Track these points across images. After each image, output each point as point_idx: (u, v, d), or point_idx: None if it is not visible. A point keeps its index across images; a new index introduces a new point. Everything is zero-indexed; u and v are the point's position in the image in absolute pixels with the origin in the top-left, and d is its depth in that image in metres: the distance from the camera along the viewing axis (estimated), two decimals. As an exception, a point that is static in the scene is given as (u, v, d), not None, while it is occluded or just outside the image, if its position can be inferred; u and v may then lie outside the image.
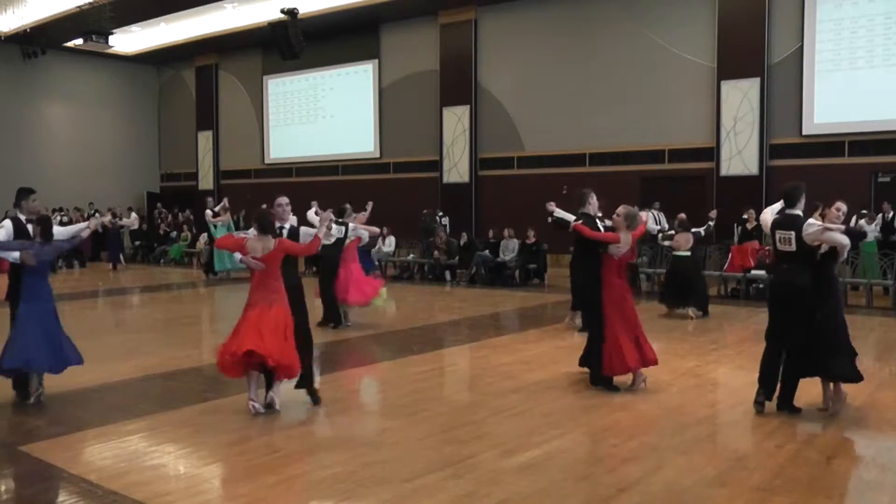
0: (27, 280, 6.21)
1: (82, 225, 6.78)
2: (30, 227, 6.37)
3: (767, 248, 13.33)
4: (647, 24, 16.93)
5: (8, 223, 6.40)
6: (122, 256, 20.46)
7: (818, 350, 5.60)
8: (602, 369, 6.49)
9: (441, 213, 18.67)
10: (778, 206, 5.94)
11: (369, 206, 11.66)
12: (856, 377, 5.68)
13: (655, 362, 6.63)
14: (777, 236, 5.71)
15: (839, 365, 5.63)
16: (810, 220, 5.62)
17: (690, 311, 10.91)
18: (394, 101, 21.30)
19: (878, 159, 14.63)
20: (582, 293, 7.41)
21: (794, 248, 5.61)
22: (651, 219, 15.13)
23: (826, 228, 5.49)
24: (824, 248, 5.62)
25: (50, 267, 6.35)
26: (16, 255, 6.09)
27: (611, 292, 6.51)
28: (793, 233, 5.60)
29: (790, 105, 15.45)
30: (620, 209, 6.69)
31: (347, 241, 9.74)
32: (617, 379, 6.55)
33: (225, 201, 16.83)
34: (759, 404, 5.76)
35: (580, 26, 17.93)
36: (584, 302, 7.36)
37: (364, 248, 11.86)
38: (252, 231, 5.96)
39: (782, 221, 5.71)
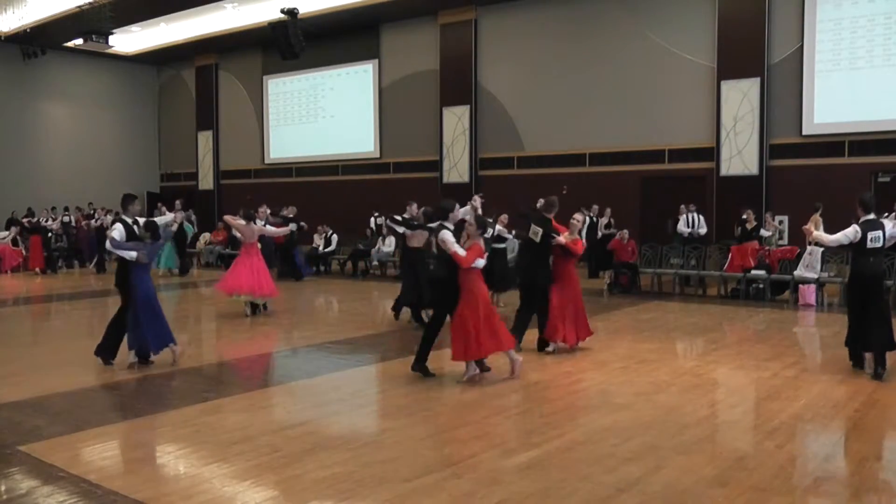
0: (138, 272, 7.36)
1: (168, 218, 8.50)
2: (135, 228, 7.52)
3: (767, 248, 13.36)
4: (647, 25, 16.93)
5: (119, 226, 7.47)
6: (83, 258, 20.07)
7: (889, 324, 7.11)
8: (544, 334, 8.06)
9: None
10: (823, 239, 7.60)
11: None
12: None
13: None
14: (869, 236, 7.13)
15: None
16: (885, 222, 7.42)
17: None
18: (394, 101, 21.30)
19: (878, 159, 14.63)
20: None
21: (881, 244, 7.20)
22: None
23: (813, 220, 7.94)
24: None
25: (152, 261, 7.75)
26: (132, 254, 7.28)
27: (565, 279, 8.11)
28: (880, 232, 7.19)
29: (790, 105, 15.45)
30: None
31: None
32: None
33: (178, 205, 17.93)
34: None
35: (580, 26, 17.93)
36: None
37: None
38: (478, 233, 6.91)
39: (871, 225, 7.20)
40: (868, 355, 7.12)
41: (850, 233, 7.20)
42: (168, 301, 14.21)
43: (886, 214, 12.83)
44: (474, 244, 6.78)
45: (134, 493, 4.23)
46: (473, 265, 6.69)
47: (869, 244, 7.11)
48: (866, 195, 7.34)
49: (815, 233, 7.82)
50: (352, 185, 21.92)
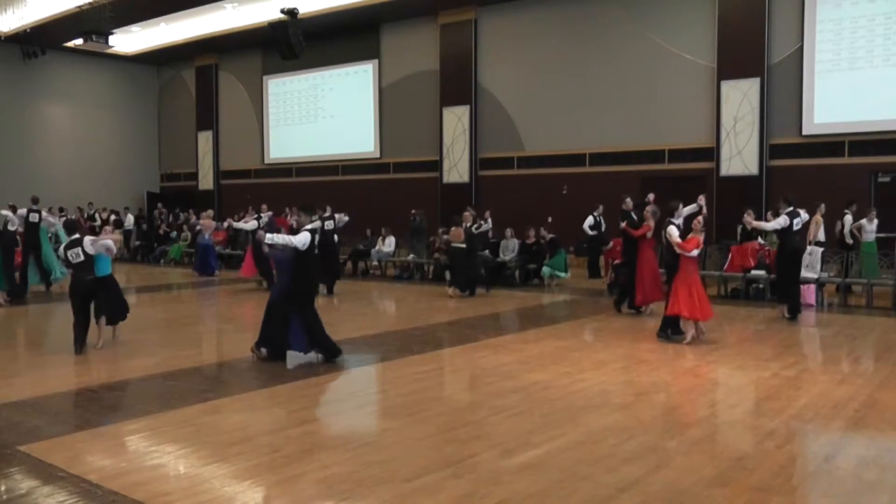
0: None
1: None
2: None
3: (768, 248, 13.35)
4: (647, 25, 16.93)
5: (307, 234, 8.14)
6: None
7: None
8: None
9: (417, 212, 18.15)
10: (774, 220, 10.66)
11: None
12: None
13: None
14: (794, 221, 10.16)
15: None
16: (804, 215, 10.45)
17: (450, 291, 13.22)
18: (394, 101, 21.30)
19: (878, 159, 14.63)
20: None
21: (801, 227, 10.41)
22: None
23: (814, 221, 11.38)
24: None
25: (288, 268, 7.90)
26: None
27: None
28: (800, 218, 10.23)
29: (790, 105, 15.46)
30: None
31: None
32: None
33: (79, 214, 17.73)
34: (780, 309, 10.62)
35: (580, 26, 17.93)
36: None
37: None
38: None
39: (794, 214, 10.18)
40: (782, 305, 10.43)
41: (782, 220, 10.18)
42: (167, 301, 14.21)
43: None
44: (693, 237, 8.60)
45: (134, 493, 4.23)
46: (690, 254, 8.52)
47: (794, 227, 10.23)
48: (790, 195, 10.36)
49: (754, 222, 10.79)
50: (352, 185, 21.92)
